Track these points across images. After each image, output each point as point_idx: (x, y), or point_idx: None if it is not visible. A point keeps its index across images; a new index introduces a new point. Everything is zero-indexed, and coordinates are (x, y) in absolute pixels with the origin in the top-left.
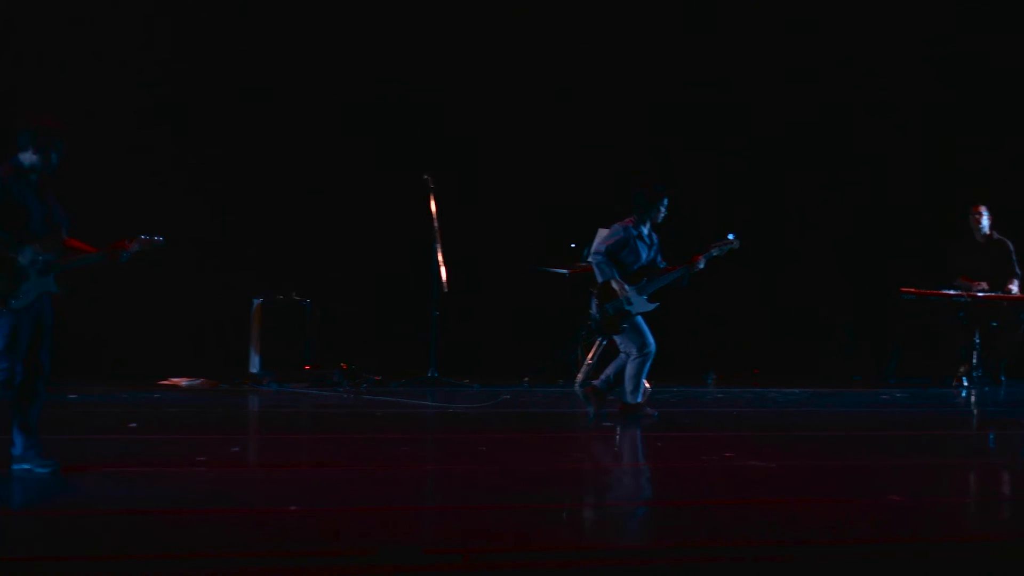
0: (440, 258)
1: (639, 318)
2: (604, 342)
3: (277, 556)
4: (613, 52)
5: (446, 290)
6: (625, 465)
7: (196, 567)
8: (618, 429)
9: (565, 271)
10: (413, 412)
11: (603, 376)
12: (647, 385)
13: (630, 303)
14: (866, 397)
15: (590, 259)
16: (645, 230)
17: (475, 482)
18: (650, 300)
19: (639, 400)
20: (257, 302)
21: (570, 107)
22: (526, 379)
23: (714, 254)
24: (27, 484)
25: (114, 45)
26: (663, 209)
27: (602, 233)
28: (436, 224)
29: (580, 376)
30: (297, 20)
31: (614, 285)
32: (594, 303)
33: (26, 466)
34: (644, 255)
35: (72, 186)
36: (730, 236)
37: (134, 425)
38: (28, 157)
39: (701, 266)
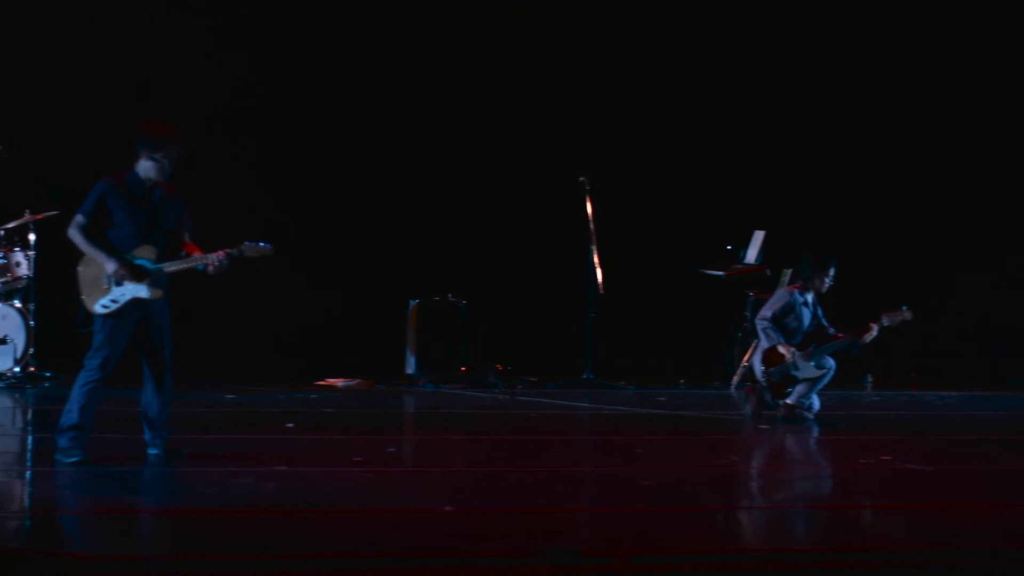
0: (596, 260)
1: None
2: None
3: (433, 557)
4: (776, 56)
5: (602, 292)
6: (781, 467)
7: (351, 567)
8: (774, 431)
9: (721, 273)
10: (569, 414)
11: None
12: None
13: (796, 368)
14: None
15: (755, 324)
16: (810, 298)
17: (631, 484)
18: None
19: (803, 403)
20: (414, 303)
21: (725, 109)
22: (682, 381)
23: (885, 324)
24: (185, 483)
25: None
26: (828, 280)
27: (757, 237)
28: (592, 226)
29: (736, 378)
30: (459, 20)
31: (781, 350)
32: (758, 360)
33: (155, 450)
34: (806, 322)
35: (232, 190)
36: (903, 308)
37: (291, 425)
38: (143, 165)
39: (873, 336)
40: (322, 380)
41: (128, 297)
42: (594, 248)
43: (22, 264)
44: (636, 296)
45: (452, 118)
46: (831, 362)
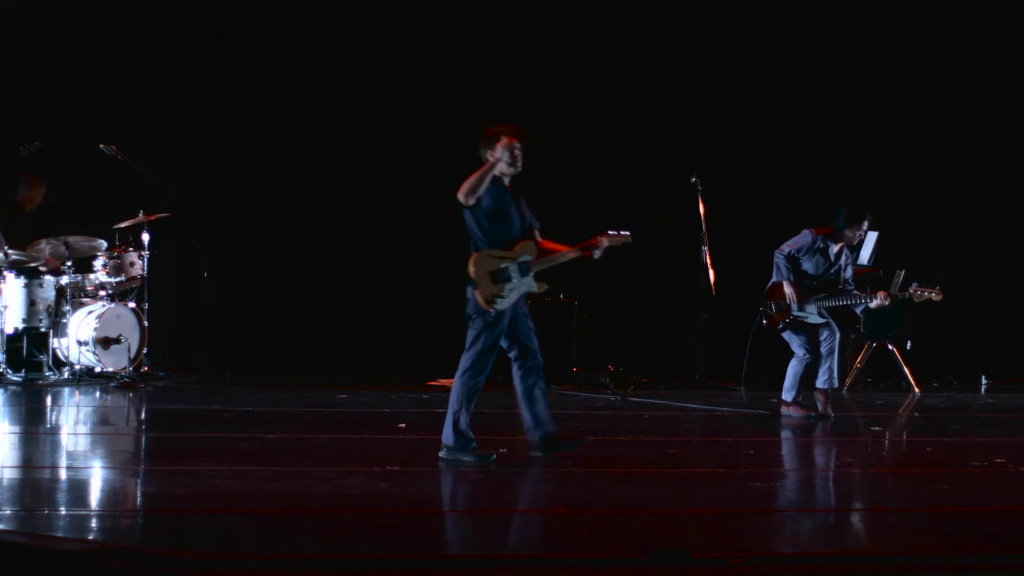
0: (708, 260)
1: (814, 327)
2: (874, 345)
3: (542, 558)
4: (891, 55)
5: (714, 293)
6: (891, 470)
7: (460, 567)
8: (885, 433)
9: None
10: (680, 415)
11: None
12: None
13: (800, 309)
14: None
15: (774, 255)
16: (834, 247)
17: (743, 485)
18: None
19: (790, 400)
20: None
21: (839, 109)
22: None
23: (907, 296)
24: (300, 481)
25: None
26: (859, 233)
27: (871, 239)
28: (704, 226)
29: (848, 380)
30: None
31: (786, 288)
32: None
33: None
34: (820, 270)
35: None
36: (937, 287)
37: (403, 425)
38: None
39: (880, 303)
40: (434, 380)
41: (516, 295)
42: (706, 249)
43: (136, 264)
44: (748, 297)
45: (563, 116)
46: (833, 326)
